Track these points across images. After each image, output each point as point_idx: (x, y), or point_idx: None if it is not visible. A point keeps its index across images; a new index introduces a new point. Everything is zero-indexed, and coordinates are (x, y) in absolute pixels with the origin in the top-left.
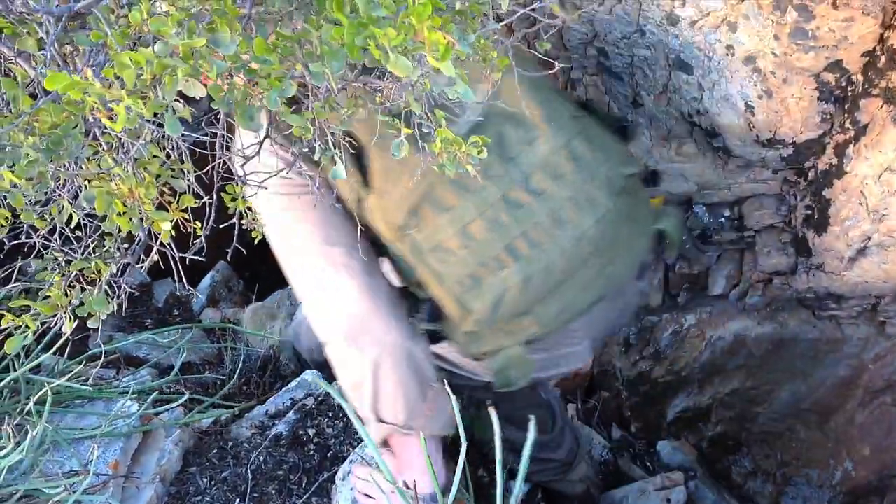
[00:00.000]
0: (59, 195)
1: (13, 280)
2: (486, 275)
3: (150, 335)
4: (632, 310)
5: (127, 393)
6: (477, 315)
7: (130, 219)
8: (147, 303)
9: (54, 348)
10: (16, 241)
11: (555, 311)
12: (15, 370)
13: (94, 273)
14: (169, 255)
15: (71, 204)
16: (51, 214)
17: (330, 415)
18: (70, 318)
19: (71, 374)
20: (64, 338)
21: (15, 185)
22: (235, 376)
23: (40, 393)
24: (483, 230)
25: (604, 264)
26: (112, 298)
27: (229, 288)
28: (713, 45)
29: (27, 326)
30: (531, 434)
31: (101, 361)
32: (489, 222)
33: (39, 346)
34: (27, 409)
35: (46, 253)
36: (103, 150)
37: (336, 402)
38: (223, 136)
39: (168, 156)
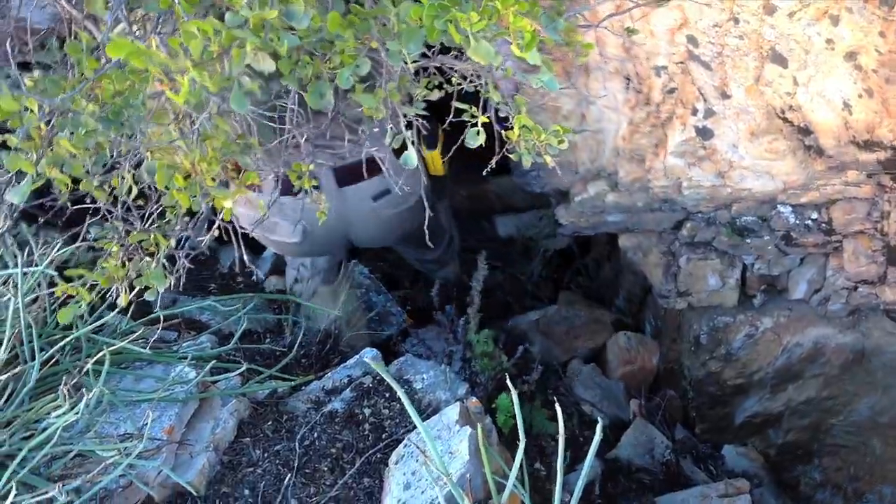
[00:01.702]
0: (121, 164)
1: (80, 239)
2: None
3: (213, 301)
4: (371, 230)
5: (186, 358)
6: None
7: (191, 195)
8: (212, 267)
9: (118, 308)
10: (79, 206)
11: None
12: (78, 329)
13: (153, 245)
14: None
15: (132, 174)
16: (111, 185)
17: (387, 395)
18: (126, 290)
19: (132, 335)
20: (127, 299)
21: (73, 155)
22: (294, 348)
23: (99, 354)
24: None
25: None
26: (172, 272)
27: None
28: (812, 38)
29: (84, 297)
30: (597, 435)
31: (161, 325)
32: None
33: (105, 305)
34: (86, 369)
35: (108, 221)
36: (168, 121)
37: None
38: (293, 110)
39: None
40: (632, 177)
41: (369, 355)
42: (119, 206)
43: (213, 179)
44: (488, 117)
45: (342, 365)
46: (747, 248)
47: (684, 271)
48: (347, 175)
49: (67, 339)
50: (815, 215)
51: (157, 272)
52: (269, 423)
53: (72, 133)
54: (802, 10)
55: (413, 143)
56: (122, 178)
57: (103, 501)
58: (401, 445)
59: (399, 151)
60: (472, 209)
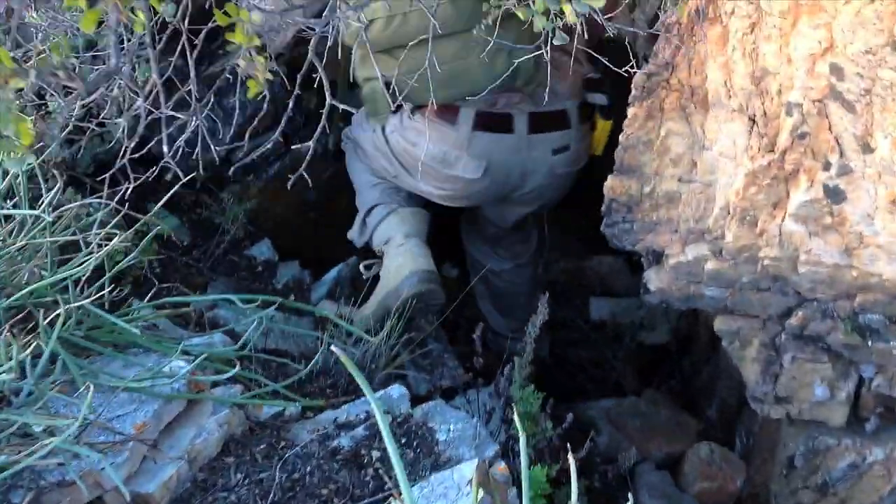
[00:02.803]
0: None
1: None
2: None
3: (232, 297)
4: (540, 183)
5: (186, 353)
6: (353, 30)
7: None
8: (268, 281)
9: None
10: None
11: (412, 64)
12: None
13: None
14: None
15: None
16: None
17: (404, 440)
18: None
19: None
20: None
21: None
22: (306, 367)
23: (55, 313)
24: None
25: (458, 49)
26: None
27: (354, 287)
28: None
29: None
30: None
31: (169, 312)
32: None
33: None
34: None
35: None
36: None
37: (412, 427)
38: None
39: None
40: (740, 243)
41: (396, 392)
42: None
43: None
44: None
45: (364, 398)
46: (867, 354)
47: (787, 372)
48: (540, 122)
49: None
50: None
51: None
52: (263, 446)
53: None
54: None
55: None
56: None
57: (37, 494)
58: (396, 500)
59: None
60: (567, 284)
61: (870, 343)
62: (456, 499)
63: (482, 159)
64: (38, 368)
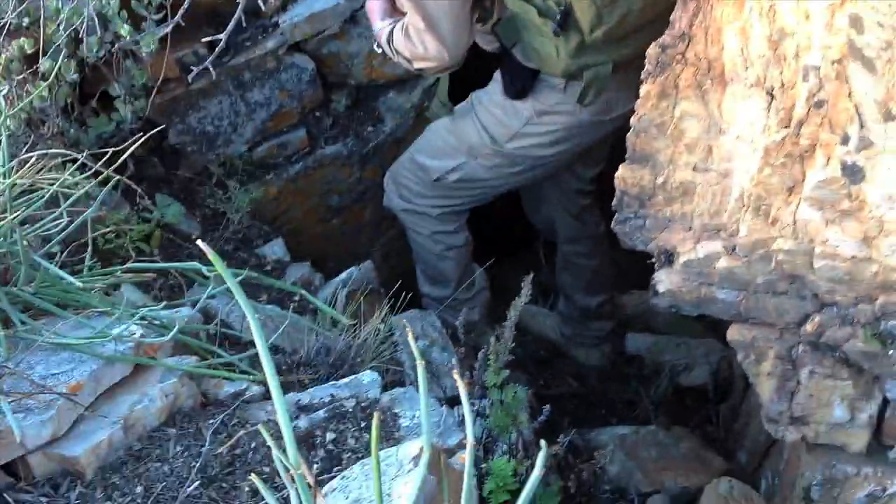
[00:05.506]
0: None
1: None
2: None
3: (198, 265)
4: None
5: (143, 318)
6: (605, 27)
7: None
8: (274, 279)
9: None
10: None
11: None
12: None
13: None
14: None
15: None
16: None
17: (363, 425)
18: None
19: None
20: None
21: None
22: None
23: None
24: None
25: None
26: None
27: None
28: None
29: None
30: None
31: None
32: None
33: None
34: None
35: None
36: None
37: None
38: None
39: None
40: (754, 236)
41: (367, 378)
42: None
43: None
44: None
45: (330, 382)
46: (888, 365)
47: (805, 389)
48: None
49: None
50: None
51: None
52: (212, 421)
53: None
54: None
55: None
56: None
57: None
58: (337, 478)
59: None
60: None
61: (890, 352)
62: (396, 475)
63: None
64: None
